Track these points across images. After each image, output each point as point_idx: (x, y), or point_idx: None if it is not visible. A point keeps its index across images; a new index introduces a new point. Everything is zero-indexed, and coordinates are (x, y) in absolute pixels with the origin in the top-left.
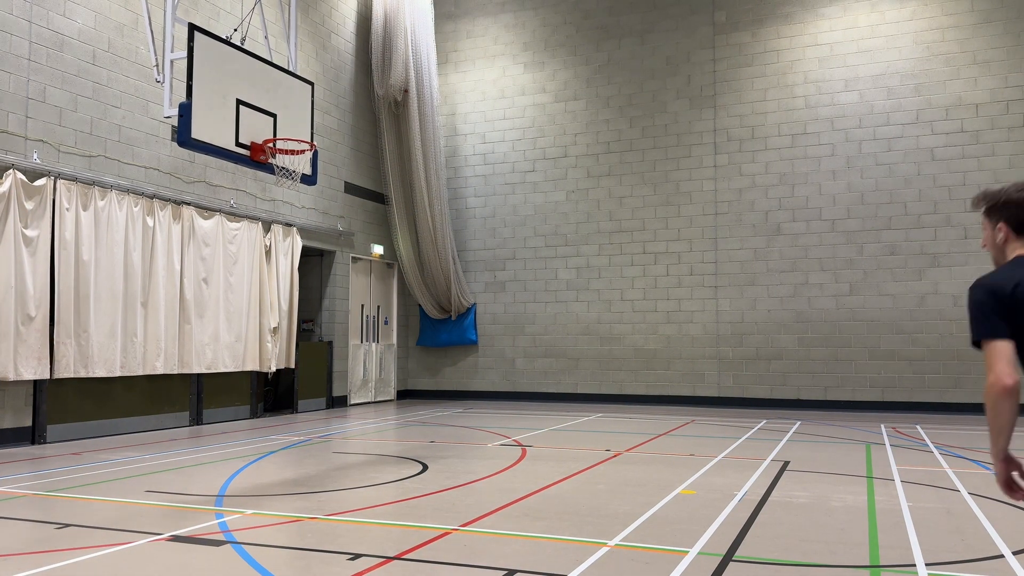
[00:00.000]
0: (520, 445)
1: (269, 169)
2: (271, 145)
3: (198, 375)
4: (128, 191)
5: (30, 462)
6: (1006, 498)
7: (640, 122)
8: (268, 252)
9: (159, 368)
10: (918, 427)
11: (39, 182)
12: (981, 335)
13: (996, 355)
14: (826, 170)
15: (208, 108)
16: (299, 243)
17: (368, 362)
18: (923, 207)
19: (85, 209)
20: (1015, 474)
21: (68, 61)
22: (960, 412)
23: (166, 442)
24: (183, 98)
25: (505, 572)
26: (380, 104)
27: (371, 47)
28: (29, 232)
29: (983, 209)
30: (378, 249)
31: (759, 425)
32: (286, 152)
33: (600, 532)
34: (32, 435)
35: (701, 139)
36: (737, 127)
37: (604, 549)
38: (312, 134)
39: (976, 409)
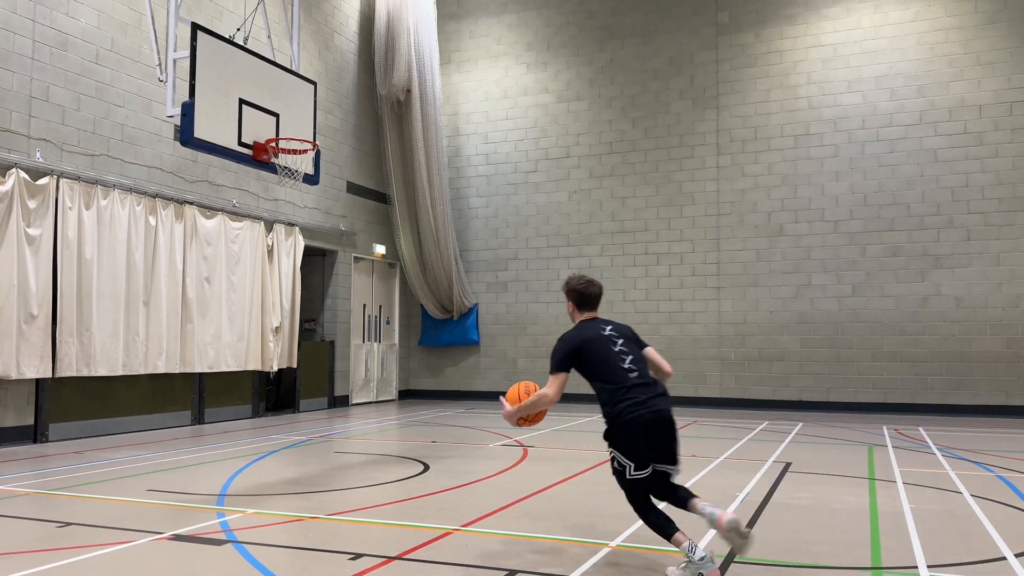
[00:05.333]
0: (521, 445)
1: (272, 169)
2: (274, 145)
3: (200, 374)
4: (131, 190)
5: (32, 461)
6: (1009, 500)
7: (643, 123)
8: (270, 252)
9: (161, 367)
10: (920, 429)
11: (42, 181)
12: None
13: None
14: (829, 171)
15: (211, 107)
16: (301, 243)
17: (370, 362)
18: (926, 208)
19: (88, 208)
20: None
21: (71, 60)
22: (962, 414)
23: (168, 441)
24: (186, 97)
25: (506, 572)
26: (383, 104)
27: (374, 47)
28: (32, 231)
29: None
30: (380, 249)
31: (761, 426)
32: (289, 152)
33: (601, 533)
34: (34, 434)
35: (704, 140)
36: (740, 128)
37: (605, 550)
38: (315, 134)
39: (979, 411)
